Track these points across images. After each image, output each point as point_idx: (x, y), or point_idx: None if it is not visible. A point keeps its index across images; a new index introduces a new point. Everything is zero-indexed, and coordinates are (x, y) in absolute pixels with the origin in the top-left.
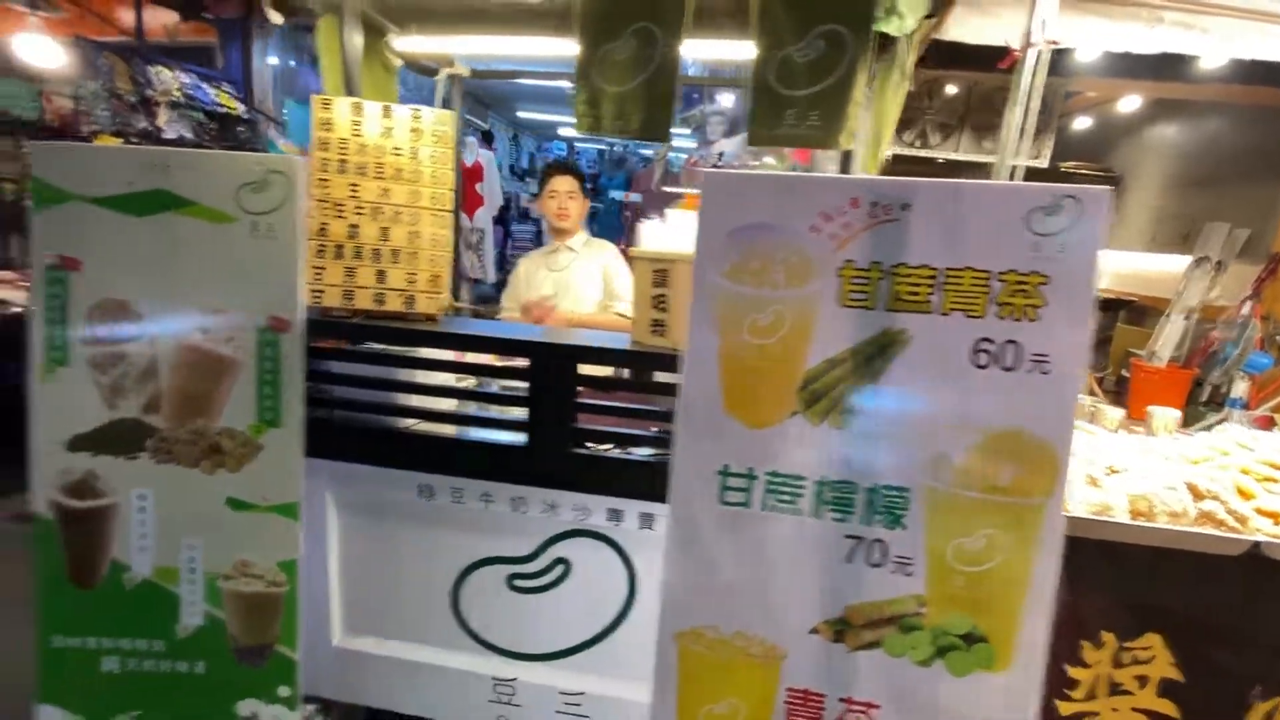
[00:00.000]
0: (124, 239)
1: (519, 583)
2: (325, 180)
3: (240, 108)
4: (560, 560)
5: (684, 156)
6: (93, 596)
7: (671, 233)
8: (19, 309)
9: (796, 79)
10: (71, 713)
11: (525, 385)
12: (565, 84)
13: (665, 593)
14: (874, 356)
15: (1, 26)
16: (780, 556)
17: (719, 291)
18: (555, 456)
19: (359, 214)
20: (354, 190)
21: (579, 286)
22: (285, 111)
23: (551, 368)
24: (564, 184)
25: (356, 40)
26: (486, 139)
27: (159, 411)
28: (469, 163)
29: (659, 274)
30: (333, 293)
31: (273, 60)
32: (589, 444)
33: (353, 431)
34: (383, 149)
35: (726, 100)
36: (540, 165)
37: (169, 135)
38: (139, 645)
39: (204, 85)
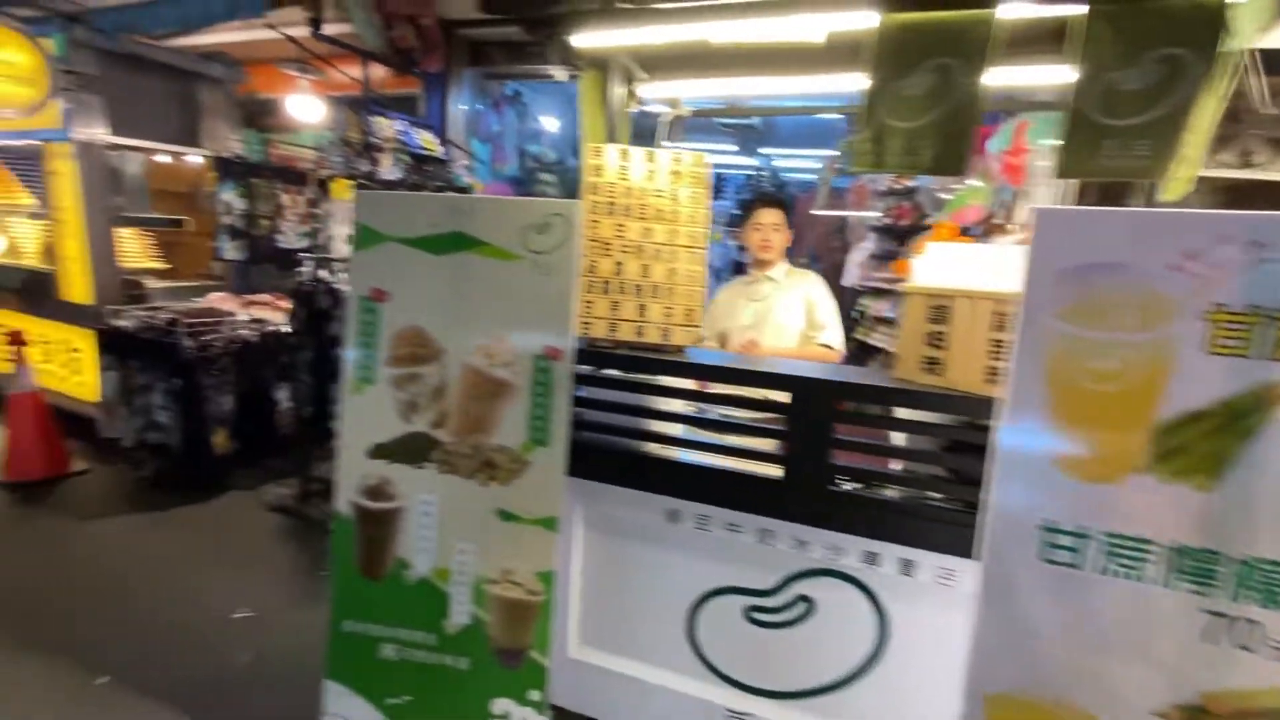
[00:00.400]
0: (424, 274)
1: (758, 616)
2: (595, 221)
3: (440, 149)
4: (804, 598)
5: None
6: (379, 588)
7: (946, 265)
8: (273, 327)
9: (1122, 107)
10: (354, 690)
11: (755, 414)
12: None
13: (974, 650)
14: (1251, 411)
15: (279, 87)
16: (1117, 625)
17: (1052, 333)
18: (810, 492)
19: (624, 252)
20: (620, 230)
21: (780, 317)
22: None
23: (811, 403)
24: (769, 216)
25: (620, 92)
26: None
27: (445, 427)
28: None
29: (937, 310)
30: (598, 324)
31: (464, 106)
32: (847, 482)
33: (605, 453)
34: (646, 191)
35: None
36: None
37: (387, 176)
38: (414, 636)
39: (411, 131)
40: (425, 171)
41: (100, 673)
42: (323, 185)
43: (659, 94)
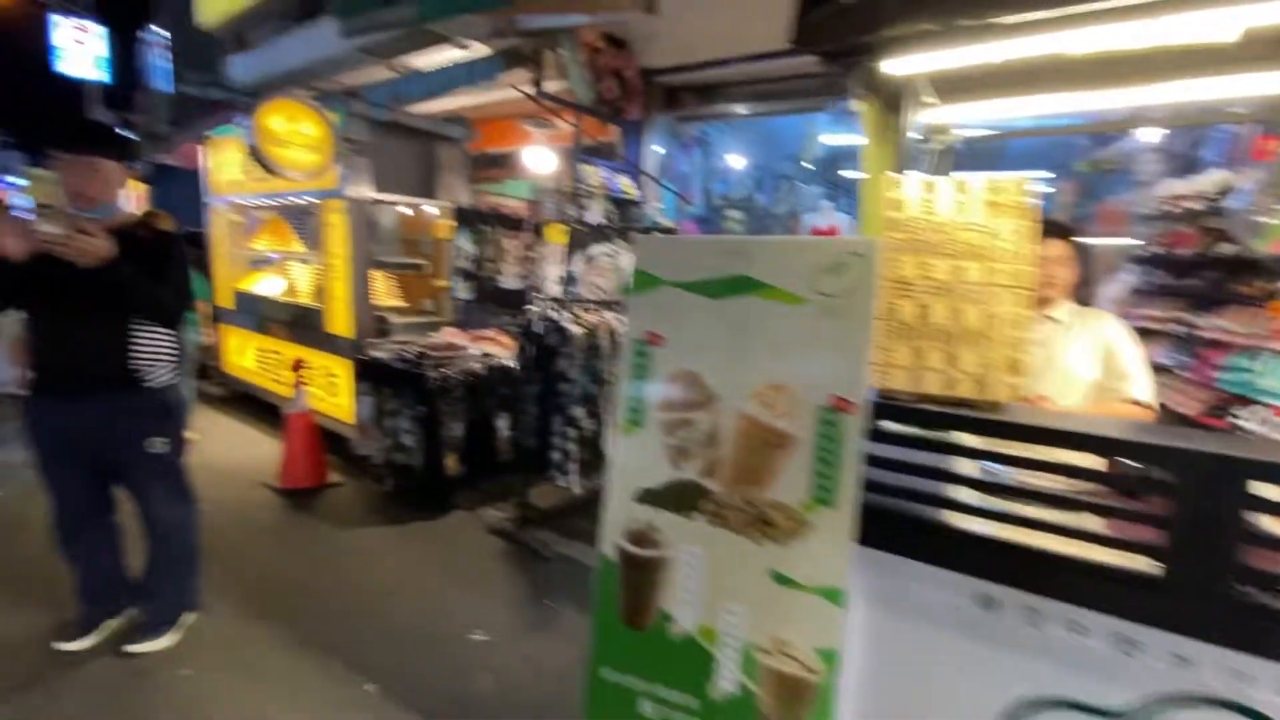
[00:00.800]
0: (701, 318)
1: None
2: (895, 260)
3: (637, 193)
4: None
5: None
6: (640, 639)
7: None
8: (498, 361)
9: None
10: None
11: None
12: None
13: None
14: None
15: (501, 141)
16: None
17: None
18: (1202, 598)
19: (930, 294)
20: (924, 269)
21: (1066, 364)
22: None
23: (1208, 484)
24: (1055, 248)
25: (913, 119)
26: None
27: (716, 476)
28: (822, 225)
29: None
30: (898, 375)
31: (658, 149)
32: (1262, 590)
33: (901, 521)
34: (956, 225)
35: (1148, 135)
36: None
37: (592, 221)
38: (674, 696)
39: (613, 176)
40: (624, 214)
41: (367, 678)
42: (538, 230)
43: (949, 118)
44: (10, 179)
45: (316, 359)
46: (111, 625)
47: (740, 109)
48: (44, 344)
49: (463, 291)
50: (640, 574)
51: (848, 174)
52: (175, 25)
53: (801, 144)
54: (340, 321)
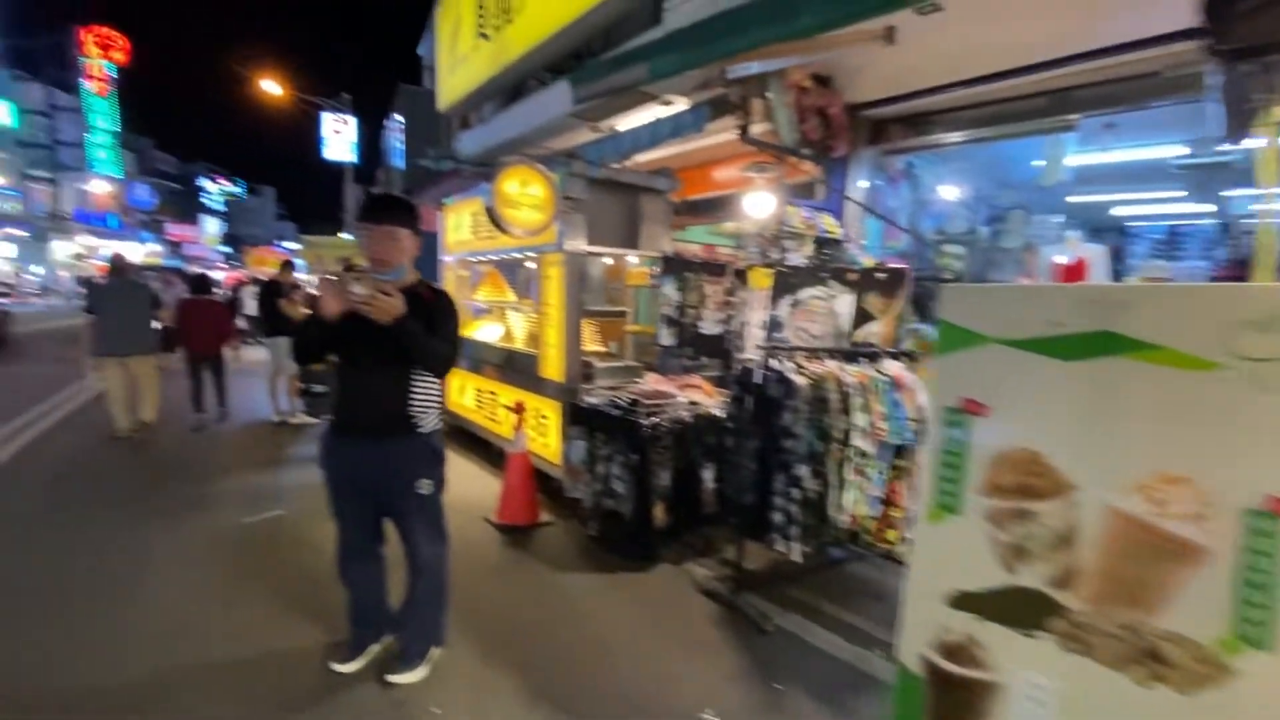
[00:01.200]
0: (1046, 385)
1: None
2: None
3: (841, 231)
4: None
5: None
6: None
7: None
8: (704, 410)
9: None
10: None
11: None
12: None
13: None
14: None
15: (714, 186)
16: None
17: None
18: None
19: None
20: None
21: None
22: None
23: None
24: None
25: None
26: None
27: (1073, 588)
28: (1066, 260)
29: None
30: None
31: (864, 183)
32: None
33: None
34: None
35: None
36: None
37: (792, 262)
38: None
39: (816, 215)
40: (825, 255)
41: None
42: (740, 275)
43: None
44: (285, 244)
45: (529, 400)
46: (375, 650)
47: (955, 136)
48: (342, 391)
49: (666, 337)
50: (957, 698)
51: (1124, 197)
52: (410, 113)
53: (1042, 168)
54: (552, 366)
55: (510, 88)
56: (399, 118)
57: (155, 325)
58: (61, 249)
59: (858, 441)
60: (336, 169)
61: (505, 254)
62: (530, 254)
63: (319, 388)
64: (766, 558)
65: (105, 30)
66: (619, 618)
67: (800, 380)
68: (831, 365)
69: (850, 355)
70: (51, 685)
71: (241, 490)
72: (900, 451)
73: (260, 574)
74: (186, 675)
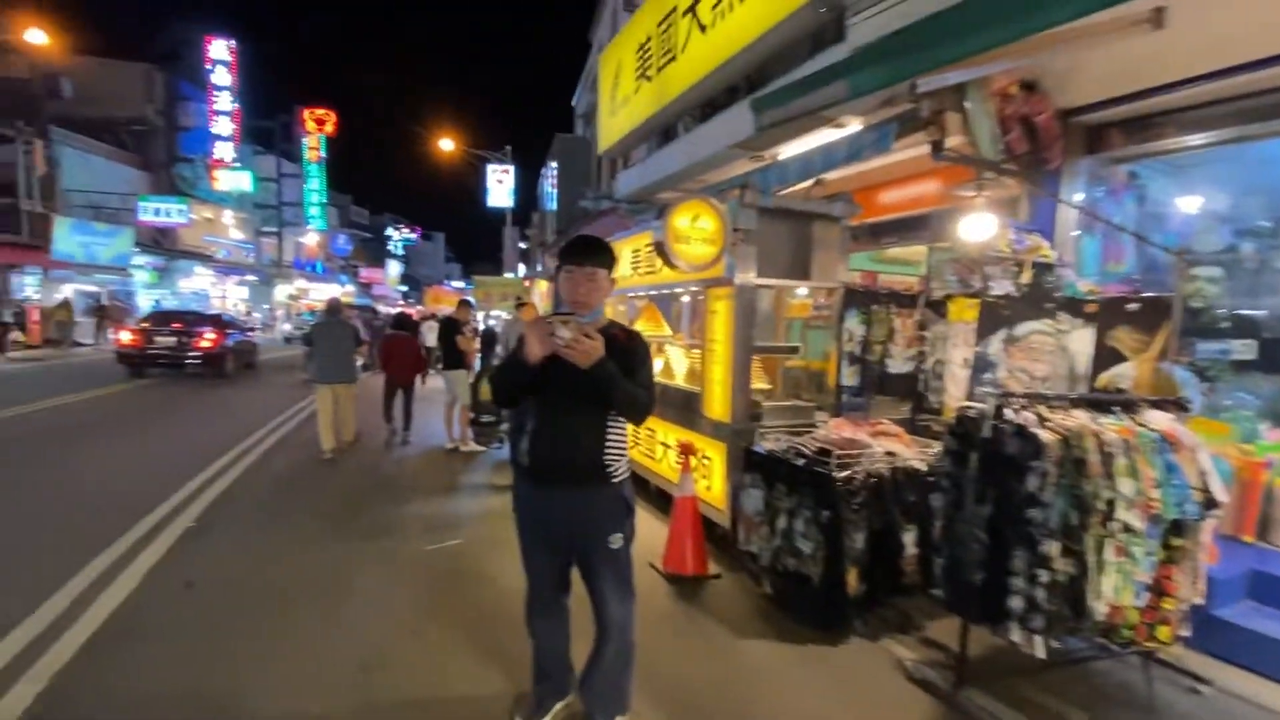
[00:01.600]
0: None
1: None
2: None
3: (1054, 255)
4: None
5: None
6: None
7: None
8: (906, 462)
9: None
10: None
11: None
12: None
13: None
14: None
15: (898, 208)
16: None
17: None
18: None
19: None
20: None
21: None
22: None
23: None
24: None
25: None
26: None
27: None
28: None
29: None
30: None
31: (1079, 196)
32: None
33: None
34: None
35: None
36: None
37: (996, 291)
38: None
39: (1023, 237)
40: (1049, 282)
41: None
42: (934, 307)
43: None
44: (454, 283)
45: (692, 441)
46: (557, 709)
47: (1196, 139)
48: (536, 435)
49: (849, 377)
50: None
51: None
52: (563, 159)
53: None
54: (718, 405)
55: (664, 128)
56: (553, 164)
57: (358, 360)
58: (281, 291)
59: (1122, 514)
60: (496, 215)
61: (667, 289)
62: (693, 288)
63: (488, 417)
64: (986, 642)
65: (321, 110)
66: (812, 696)
67: (1047, 436)
68: (1082, 417)
69: (1099, 404)
70: (245, 706)
71: (422, 516)
72: (1177, 528)
73: (445, 607)
74: (382, 715)
